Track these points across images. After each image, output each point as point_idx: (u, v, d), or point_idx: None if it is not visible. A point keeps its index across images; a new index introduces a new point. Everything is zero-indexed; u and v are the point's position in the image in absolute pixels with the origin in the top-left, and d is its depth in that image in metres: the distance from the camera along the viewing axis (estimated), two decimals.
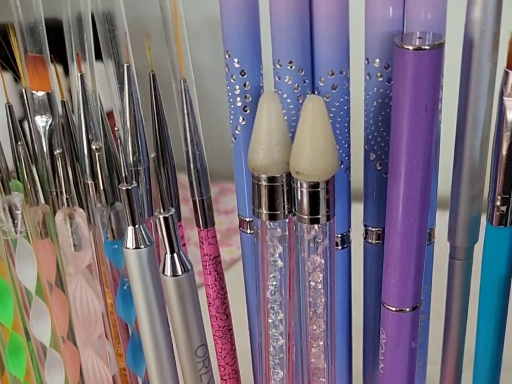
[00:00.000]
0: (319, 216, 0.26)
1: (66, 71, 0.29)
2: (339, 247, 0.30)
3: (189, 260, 0.27)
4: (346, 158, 0.27)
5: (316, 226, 0.26)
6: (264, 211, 0.26)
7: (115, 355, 0.33)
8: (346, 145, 0.27)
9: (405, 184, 0.25)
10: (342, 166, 0.27)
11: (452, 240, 0.29)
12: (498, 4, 0.24)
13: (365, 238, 0.30)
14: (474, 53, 0.24)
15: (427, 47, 0.23)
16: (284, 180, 0.26)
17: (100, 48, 0.28)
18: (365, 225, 0.30)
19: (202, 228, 0.31)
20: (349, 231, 0.30)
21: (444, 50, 0.23)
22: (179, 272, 0.26)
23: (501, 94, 0.25)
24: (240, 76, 0.26)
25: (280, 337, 0.30)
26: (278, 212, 0.26)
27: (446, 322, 0.31)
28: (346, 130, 0.27)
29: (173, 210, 0.25)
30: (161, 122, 0.28)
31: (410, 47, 0.23)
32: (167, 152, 0.29)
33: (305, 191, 0.25)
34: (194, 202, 0.30)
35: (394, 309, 0.28)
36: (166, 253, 0.26)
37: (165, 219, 0.25)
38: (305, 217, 0.26)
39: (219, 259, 0.32)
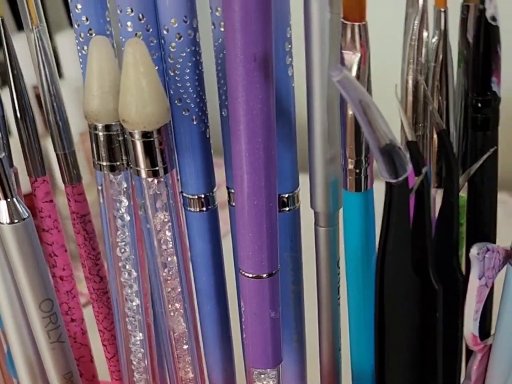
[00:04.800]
0: (156, 169, 0.25)
1: None
2: (204, 209, 0.29)
3: (27, 208, 0.26)
4: (197, 110, 0.26)
5: (155, 180, 0.25)
6: (104, 162, 0.26)
7: None
8: (194, 95, 0.26)
9: (245, 142, 0.24)
10: (186, 114, 0.26)
11: (313, 206, 0.28)
12: None
13: (229, 201, 0.29)
14: (313, 3, 0.23)
15: None
16: (119, 130, 0.25)
17: None
18: (227, 187, 0.29)
19: (67, 184, 0.30)
20: (212, 192, 0.29)
21: None
22: (16, 220, 0.26)
23: (340, 47, 0.24)
24: (84, 22, 0.25)
25: (136, 298, 0.29)
26: (118, 163, 0.26)
27: (318, 293, 0.30)
28: (197, 83, 0.26)
29: (4, 154, 0.25)
30: (14, 70, 0.27)
31: None
32: (24, 102, 0.28)
33: (136, 141, 0.24)
34: (57, 156, 0.30)
35: (249, 275, 0.27)
36: None
37: None
38: (141, 169, 0.25)
39: (89, 217, 0.31)
